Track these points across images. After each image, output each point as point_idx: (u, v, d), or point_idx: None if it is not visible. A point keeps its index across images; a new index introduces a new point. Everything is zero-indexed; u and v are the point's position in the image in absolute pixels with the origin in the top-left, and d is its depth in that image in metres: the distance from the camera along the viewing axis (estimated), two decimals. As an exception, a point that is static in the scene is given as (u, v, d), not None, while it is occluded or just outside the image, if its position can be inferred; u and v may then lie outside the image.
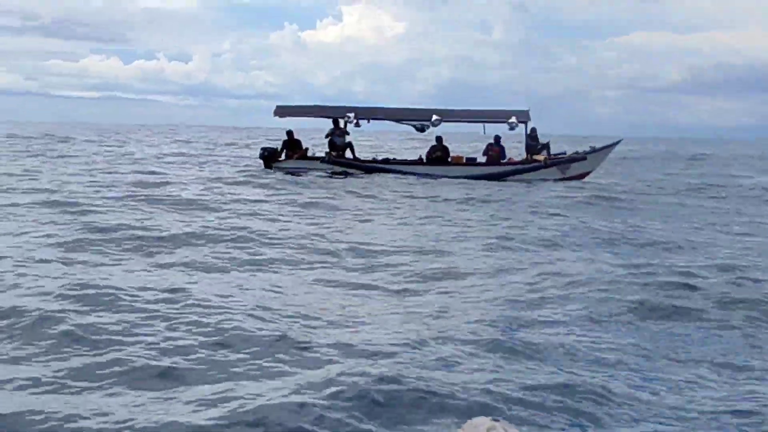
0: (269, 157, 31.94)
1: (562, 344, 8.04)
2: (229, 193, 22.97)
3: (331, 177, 29.52)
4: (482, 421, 3.34)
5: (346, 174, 30.28)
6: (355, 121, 31.69)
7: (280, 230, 15.91)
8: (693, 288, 10.59)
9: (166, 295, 9.57)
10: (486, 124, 32.03)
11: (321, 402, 6.16)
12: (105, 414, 6.01)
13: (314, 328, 8.46)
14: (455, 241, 15.14)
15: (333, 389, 6.40)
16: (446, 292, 10.55)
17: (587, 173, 31.27)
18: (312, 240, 14.68)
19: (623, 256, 13.32)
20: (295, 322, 8.61)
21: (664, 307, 9.66)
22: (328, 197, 22.71)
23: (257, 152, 34.85)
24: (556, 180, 30.15)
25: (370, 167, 31.19)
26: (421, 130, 32.46)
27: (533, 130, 31.53)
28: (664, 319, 9.22)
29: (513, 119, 31.18)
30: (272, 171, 30.91)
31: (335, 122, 31.79)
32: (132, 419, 5.88)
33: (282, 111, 32.95)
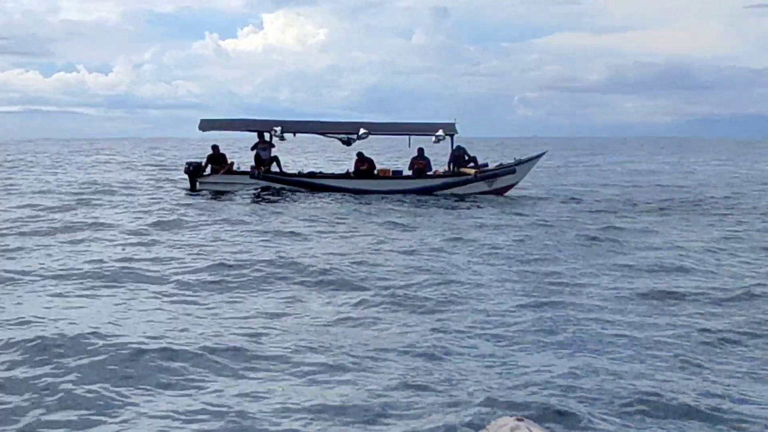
0: (194, 172, 31.45)
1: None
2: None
3: (259, 197, 29.02)
4: (506, 421, 3.29)
5: (270, 190, 29.88)
6: (281, 135, 31.44)
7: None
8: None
9: None
10: (411, 138, 32.08)
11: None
12: None
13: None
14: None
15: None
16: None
17: (513, 185, 31.47)
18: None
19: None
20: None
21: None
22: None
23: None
24: (482, 193, 30.27)
25: (299, 182, 30.92)
26: (348, 143, 32.41)
27: (460, 147, 31.56)
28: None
29: (440, 132, 31.27)
30: (197, 192, 30.45)
31: (260, 136, 31.49)
32: None
33: (207, 125, 32.49)
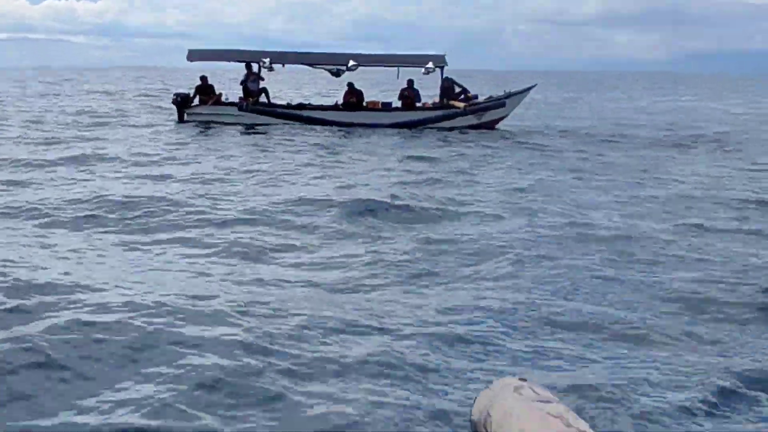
0: (182, 103, 31.26)
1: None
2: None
3: (248, 132, 28.89)
4: (510, 381, 3.29)
5: (255, 125, 29.67)
6: (269, 65, 31.23)
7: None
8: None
9: None
10: (400, 69, 31.87)
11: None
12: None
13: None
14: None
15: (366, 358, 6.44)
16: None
17: (502, 119, 31.35)
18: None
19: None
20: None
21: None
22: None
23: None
24: (471, 126, 30.16)
25: (287, 114, 30.74)
26: (337, 74, 32.23)
27: (449, 79, 31.37)
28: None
29: (430, 64, 31.10)
30: (185, 122, 30.34)
31: (249, 67, 31.24)
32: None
33: (195, 55, 32.27)
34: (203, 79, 31.22)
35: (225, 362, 6.27)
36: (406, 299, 8.38)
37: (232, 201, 14.12)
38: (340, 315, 7.65)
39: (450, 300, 8.30)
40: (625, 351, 6.92)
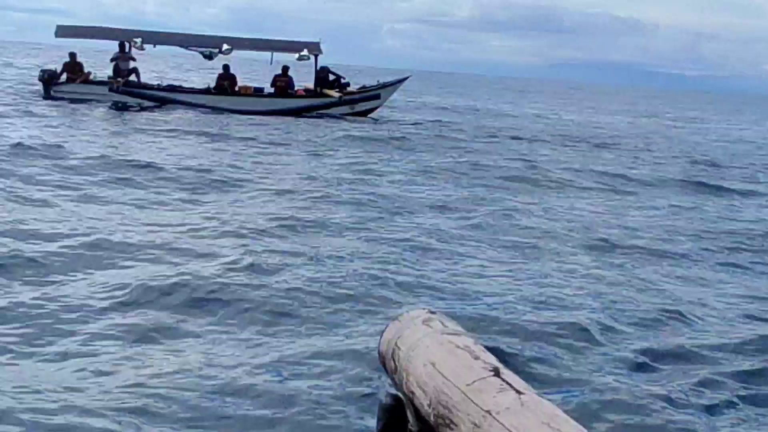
0: (49, 80, 30.28)
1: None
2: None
3: (116, 108, 28.27)
4: (419, 313, 3.30)
5: (126, 105, 29.04)
6: (141, 45, 30.58)
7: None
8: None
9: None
10: (274, 55, 31.71)
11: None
12: None
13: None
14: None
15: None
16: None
17: (375, 108, 31.56)
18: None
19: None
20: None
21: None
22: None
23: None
24: (344, 115, 30.26)
25: (156, 96, 30.16)
26: (209, 57, 31.78)
27: (324, 68, 31.36)
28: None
29: (305, 51, 31.05)
30: (51, 98, 29.39)
31: (121, 46, 30.50)
32: None
33: (64, 32, 31.41)
34: (72, 55, 30.33)
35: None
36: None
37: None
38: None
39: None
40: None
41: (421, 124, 30.77)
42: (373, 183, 15.77)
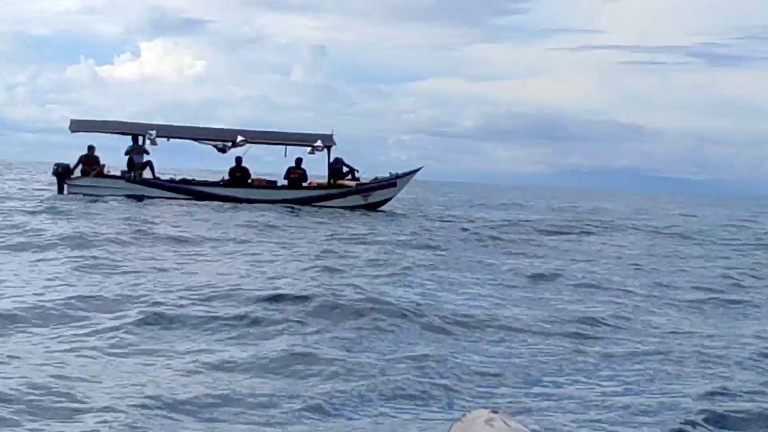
0: (63, 174, 30.25)
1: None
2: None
3: (128, 199, 28.24)
4: (481, 413, 3.19)
5: (142, 197, 29.07)
6: (154, 139, 30.69)
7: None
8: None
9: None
10: (288, 148, 31.85)
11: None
12: None
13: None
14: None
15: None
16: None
17: (389, 199, 31.57)
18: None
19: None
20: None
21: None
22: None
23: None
24: (358, 206, 30.27)
25: (172, 187, 30.26)
26: (223, 150, 31.79)
27: (338, 159, 31.47)
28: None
29: (319, 142, 31.14)
30: (66, 193, 29.28)
31: (135, 139, 30.66)
32: None
33: (78, 125, 31.42)
34: (90, 148, 30.26)
35: None
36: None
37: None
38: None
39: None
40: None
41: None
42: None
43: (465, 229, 24.46)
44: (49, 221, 20.12)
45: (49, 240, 16.48)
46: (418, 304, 10.85)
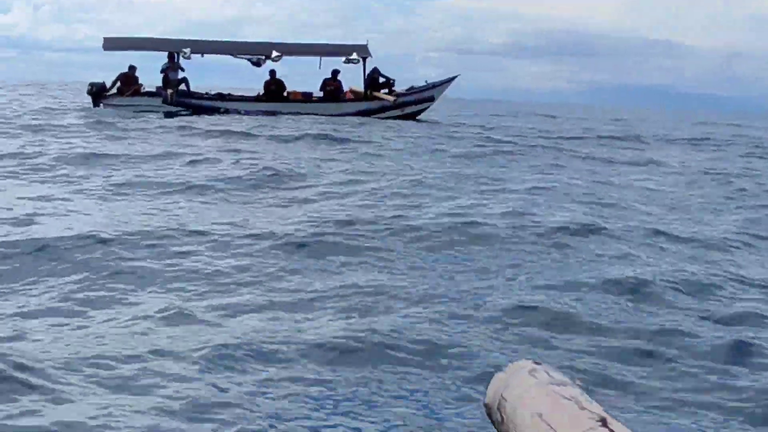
0: (97, 93, 30.30)
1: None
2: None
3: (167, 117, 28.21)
4: (524, 364, 3.30)
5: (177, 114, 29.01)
6: (189, 55, 30.63)
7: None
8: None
9: None
10: (322, 60, 31.67)
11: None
12: None
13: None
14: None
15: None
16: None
17: (424, 109, 31.46)
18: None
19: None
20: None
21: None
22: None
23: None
24: (395, 117, 30.13)
25: (209, 105, 30.21)
26: (257, 65, 31.72)
27: (375, 69, 31.26)
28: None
29: (354, 54, 30.97)
30: (101, 109, 29.36)
31: (170, 57, 30.60)
32: None
33: (111, 44, 31.40)
34: (132, 68, 30.22)
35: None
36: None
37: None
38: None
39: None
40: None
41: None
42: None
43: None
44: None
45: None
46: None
